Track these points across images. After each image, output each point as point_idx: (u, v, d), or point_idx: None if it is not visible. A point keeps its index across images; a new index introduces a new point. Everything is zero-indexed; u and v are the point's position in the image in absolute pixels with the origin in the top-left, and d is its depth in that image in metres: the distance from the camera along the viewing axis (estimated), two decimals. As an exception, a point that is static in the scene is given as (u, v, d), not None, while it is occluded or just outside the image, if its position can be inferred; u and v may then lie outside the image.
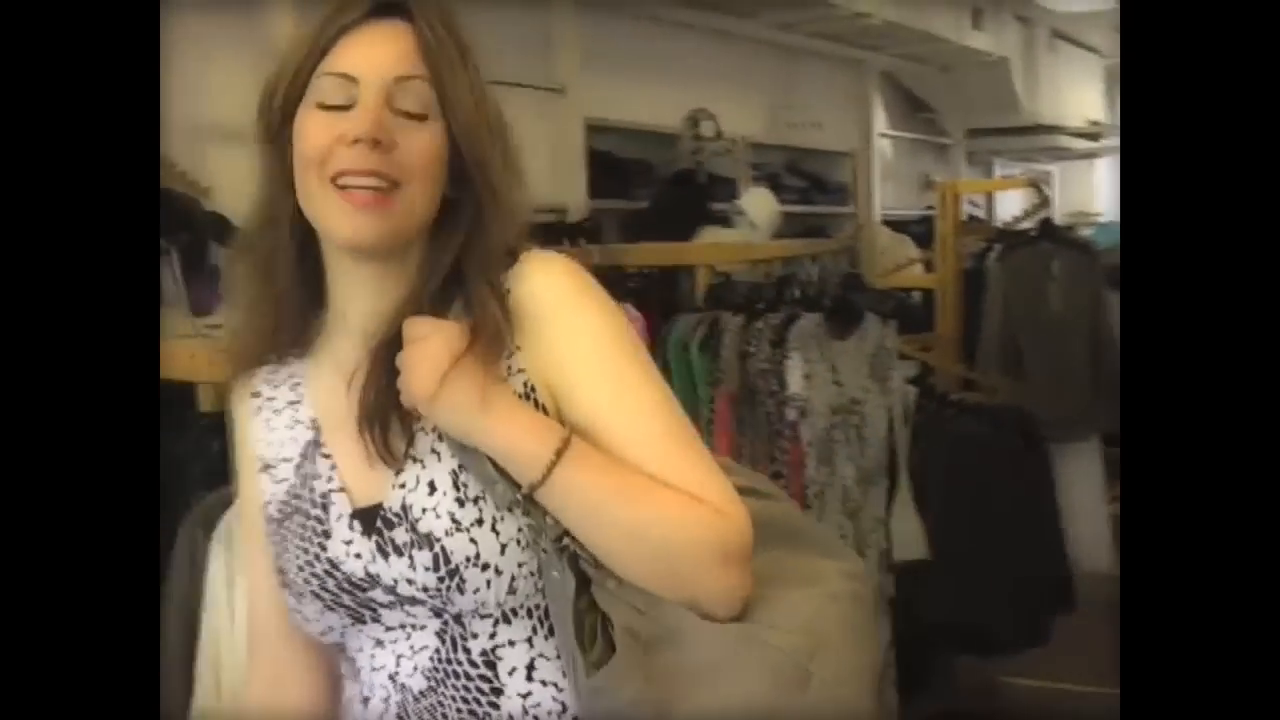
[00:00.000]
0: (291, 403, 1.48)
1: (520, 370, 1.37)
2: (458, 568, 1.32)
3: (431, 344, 1.32)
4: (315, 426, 1.46)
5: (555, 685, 1.37)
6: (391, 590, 1.36)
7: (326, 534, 1.40)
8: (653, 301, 3.95)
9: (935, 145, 10.18)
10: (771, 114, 7.91)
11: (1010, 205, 8.97)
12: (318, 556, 1.40)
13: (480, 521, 1.33)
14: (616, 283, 3.96)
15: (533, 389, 1.37)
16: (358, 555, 1.38)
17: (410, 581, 1.35)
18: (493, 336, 1.34)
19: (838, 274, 3.82)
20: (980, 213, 9.28)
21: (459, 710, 1.37)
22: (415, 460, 1.37)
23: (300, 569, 1.42)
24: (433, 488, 1.35)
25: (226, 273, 1.57)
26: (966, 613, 4.20)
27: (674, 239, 5.15)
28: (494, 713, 1.37)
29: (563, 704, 1.37)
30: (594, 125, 6.22)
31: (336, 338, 1.44)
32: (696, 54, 7.21)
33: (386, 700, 1.41)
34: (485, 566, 1.33)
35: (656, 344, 3.64)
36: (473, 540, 1.32)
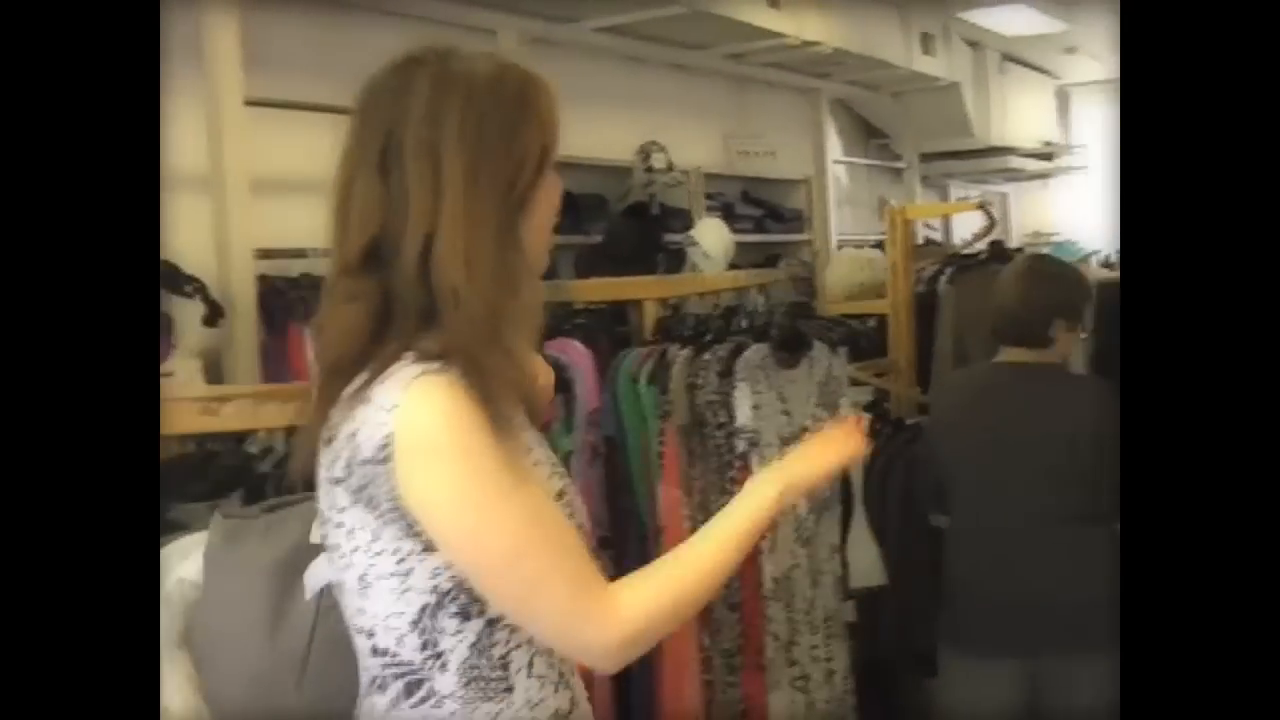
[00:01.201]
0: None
1: None
2: None
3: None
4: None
5: None
6: None
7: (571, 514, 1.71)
8: (601, 336, 3.97)
9: (890, 170, 10.23)
10: (725, 144, 7.95)
11: (969, 228, 9.02)
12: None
13: None
14: (564, 318, 3.98)
15: None
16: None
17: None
18: None
19: (785, 303, 3.83)
20: (938, 236, 9.33)
21: None
22: None
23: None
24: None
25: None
26: (928, 637, 4.22)
27: (629, 272, 5.16)
28: None
29: None
30: (548, 162, 6.23)
31: None
32: (648, 86, 7.25)
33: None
34: None
35: (605, 378, 3.66)
36: None
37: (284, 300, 4.48)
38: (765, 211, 8.11)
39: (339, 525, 1.62)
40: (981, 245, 5.69)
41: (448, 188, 1.57)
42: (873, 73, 8.66)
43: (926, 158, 10.17)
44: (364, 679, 1.69)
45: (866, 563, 3.99)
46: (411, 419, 1.52)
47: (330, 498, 1.62)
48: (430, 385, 1.53)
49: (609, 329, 4.06)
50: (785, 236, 8.22)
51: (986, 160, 10.32)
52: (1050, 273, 3.58)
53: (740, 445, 3.53)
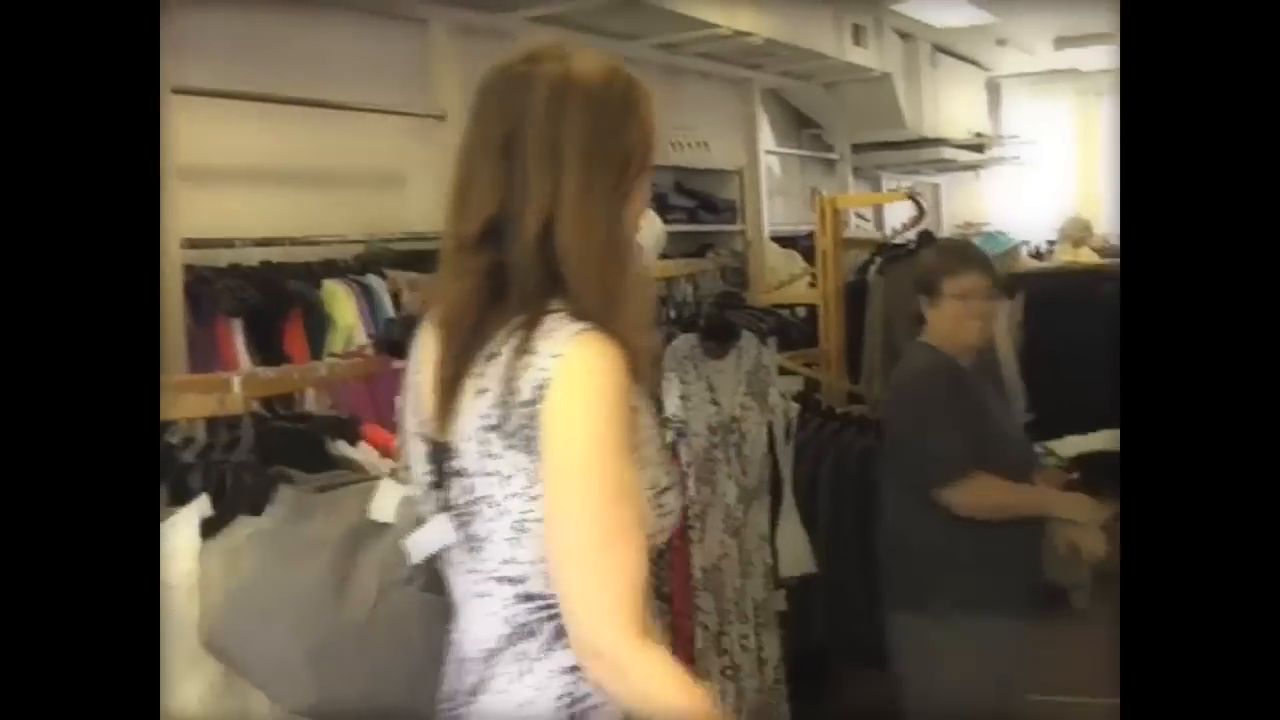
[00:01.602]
0: None
1: None
2: None
3: None
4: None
5: None
6: None
7: None
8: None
9: (823, 161, 10.27)
10: (658, 134, 7.94)
11: (901, 219, 9.07)
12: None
13: None
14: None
15: None
16: None
17: None
18: None
19: (714, 293, 3.83)
20: (870, 226, 9.39)
21: None
22: None
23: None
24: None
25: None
26: (859, 624, 4.23)
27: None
28: None
29: None
30: (477, 151, 6.19)
31: None
32: (580, 77, 7.22)
33: None
34: None
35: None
36: None
37: (211, 290, 4.43)
38: (698, 202, 8.12)
39: (490, 474, 1.74)
40: (911, 235, 5.73)
41: (566, 177, 1.75)
42: (805, 64, 8.69)
43: (859, 148, 10.23)
44: (503, 631, 1.78)
45: (797, 551, 4.00)
46: (575, 365, 1.69)
47: (484, 446, 1.73)
48: (592, 340, 1.71)
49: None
50: (718, 227, 8.23)
51: (918, 151, 10.39)
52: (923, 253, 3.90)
53: (669, 435, 3.53)
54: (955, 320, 3.54)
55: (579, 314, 1.73)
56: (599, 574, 1.68)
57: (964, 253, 3.71)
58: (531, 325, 1.73)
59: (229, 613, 2.08)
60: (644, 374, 1.79)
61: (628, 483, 1.71)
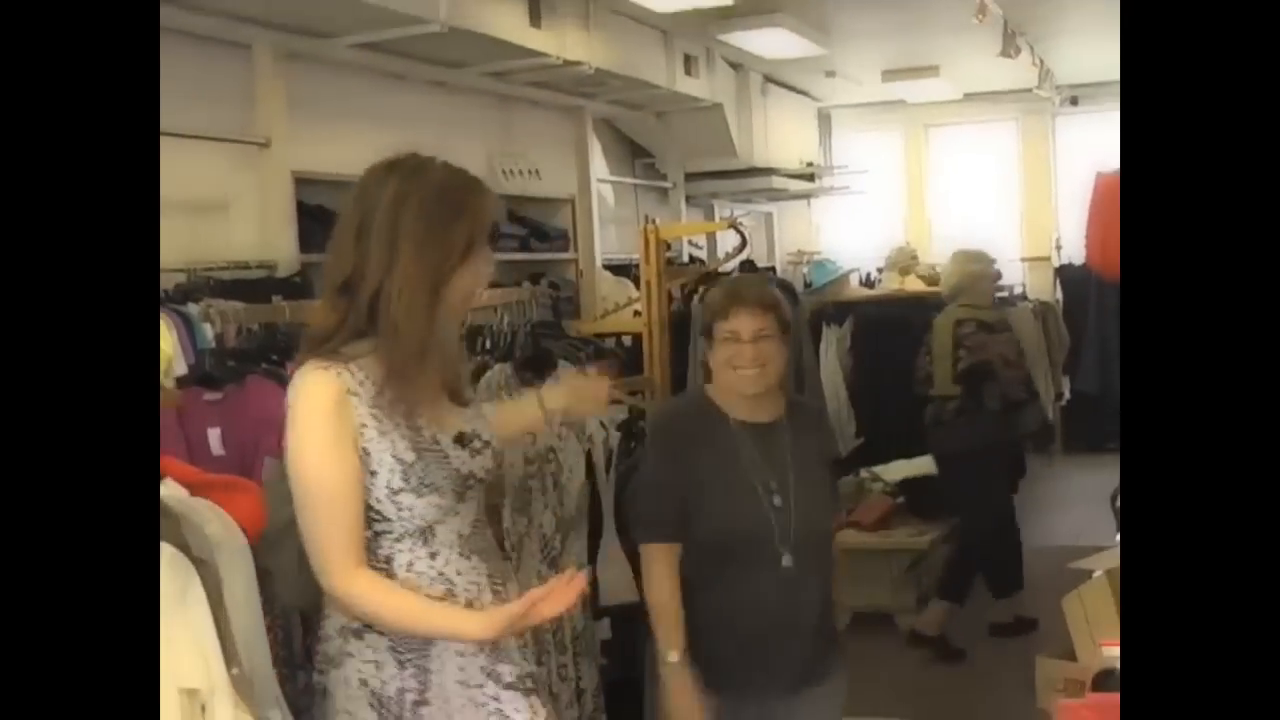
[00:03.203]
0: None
1: None
2: (495, 453, 2.64)
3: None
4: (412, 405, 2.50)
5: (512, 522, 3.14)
6: (476, 478, 2.56)
7: (446, 456, 2.49)
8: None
9: (656, 189, 10.35)
10: (489, 162, 7.93)
11: (730, 247, 9.16)
12: (451, 468, 2.49)
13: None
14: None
15: None
16: (462, 461, 2.51)
17: (484, 469, 2.58)
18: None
19: (530, 323, 3.83)
20: (703, 254, 9.47)
21: (480, 538, 2.60)
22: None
23: (445, 478, 2.47)
24: (477, 414, 2.66)
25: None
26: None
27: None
28: (487, 534, 2.66)
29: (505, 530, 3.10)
30: (302, 178, 6.14)
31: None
32: (408, 103, 7.19)
33: (450, 546, 2.51)
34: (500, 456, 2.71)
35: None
36: (497, 443, 2.67)
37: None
38: (529, 230, 8.13)
39: None
40: (734, 263, 5.79)
41: (399, 258, 2.38)
42: (636, 93, 8.75)
43: (692, 177, 10.32)
44: None
45: (618, 580, 4.00)
46: (292, 389, 2.45)
47: None
48: (306, 371, 2.44)
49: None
50: (550, 255, 8.24)
51: (750, 180, 10.52)
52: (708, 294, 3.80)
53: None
54: (723, 365, 3.22)
55: (376, 350, 2.44)
56: (309, 537, 2.43)
57: (735, 292, 3.26)
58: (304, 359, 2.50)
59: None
60: (401, 399, 2.43)
61: (324, 475, 2.40)
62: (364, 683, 2.48)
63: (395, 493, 2.45)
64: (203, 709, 2.30)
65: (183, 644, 2.24)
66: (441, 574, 2.51)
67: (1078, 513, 8.46)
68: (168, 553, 2.23)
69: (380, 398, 2.43)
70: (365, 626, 2.48)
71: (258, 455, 3.45)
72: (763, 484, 3.18)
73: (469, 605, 2.50)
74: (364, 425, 2.43)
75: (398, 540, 2.49)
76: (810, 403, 3.43)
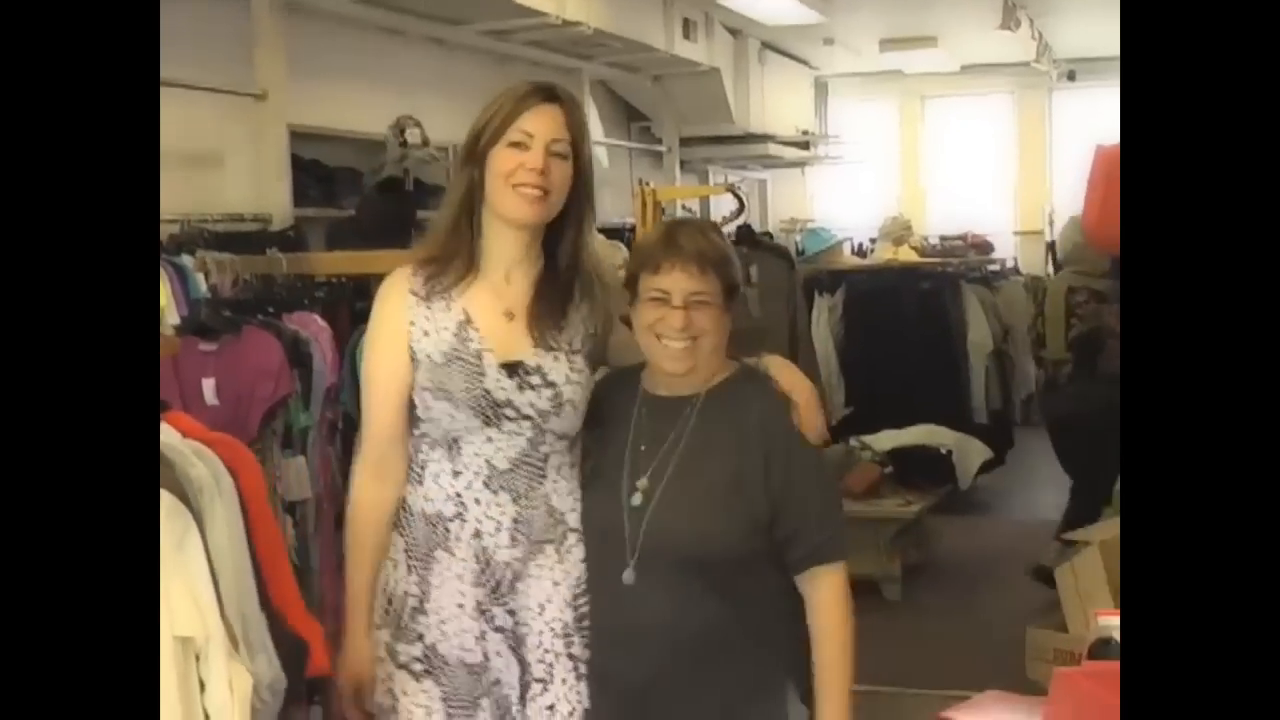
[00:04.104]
0: (444, 300, 2.57)
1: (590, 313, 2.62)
2: (563, 403, 2.54)
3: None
4: (466, 315, 2.56)
5: (567, 479, 2.61)
6: (518, 410, 2.52)
7: (481, 374, 2.52)
8: (342, 310, 3.90)
9: (651, 153, 10.31)
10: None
11: (725, 211, 9.14)
12: (476, 385, 2.52)
13: (578, 382, 2.57)
14: (305, 291, 3.90)
15: (595, 328, 2.62)
16: (503, 388, 2.52)
17: (533, 406, 2.52)
18: (592, 291, 2.62)
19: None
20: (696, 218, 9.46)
21: (523, 482, 2.55)
22: (541, 340, 2.56)
23: (464, 391, 2.51)
24: (556, 357, 2.56)
25: (430, 227, 2.81)
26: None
27: (380, 248, 5.08)
28: (540, 487, 2.56)
29: (570, 489, 2.61)
30: (298, 132, 6.10)
31: (490, 272, 2.59)
32: (407, 60, 7.14)
33: (477, 473, 2.54)
34: (575, 406, 2.57)
35: (344, 353, 3.60)
36: (573, 391, 2.56)
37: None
38: (524, 190, 8.09)
39: None
40: (731, 228, 5.78)
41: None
42: (634, 55, 8.70)
43: (687, 142, 10.28)
44: None
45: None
46: None
47: None
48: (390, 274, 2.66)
49: (350, 304, 3.99)
50: (544, 215, 8.21)
51: (745, 146, 10.50)
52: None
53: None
54: (645, 330, 2.55)
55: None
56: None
57: (670, 240, 2.56)
58: None
59: None
60: (434, 278, 2.57)
61: (370, 371, 2.66)
62: (384, 578, 2.61)
63: (422, 389, 2.53)
64: (197, 657, 2.30)
65: (179, 592, 2.24)
66: (459, 496, 2.56)
67: (1065, 487, 8.48)
68: (167, 501, 2.22)
69: (420, 282, 2.57)
70: (397, 523, 2.61)
71: (253, 406, 3.45)
72: (630, 476, 2.56)
73: (477, 537, 2.54)
74: (413, 323, 2.56)
75: (431, 447, 2.57)
76: (757, 374, 2.64)
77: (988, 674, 5.00)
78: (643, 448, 2.57)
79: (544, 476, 2.57)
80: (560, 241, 2.59)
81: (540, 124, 2.51)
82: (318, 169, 6.37)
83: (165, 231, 5.03)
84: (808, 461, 2.60)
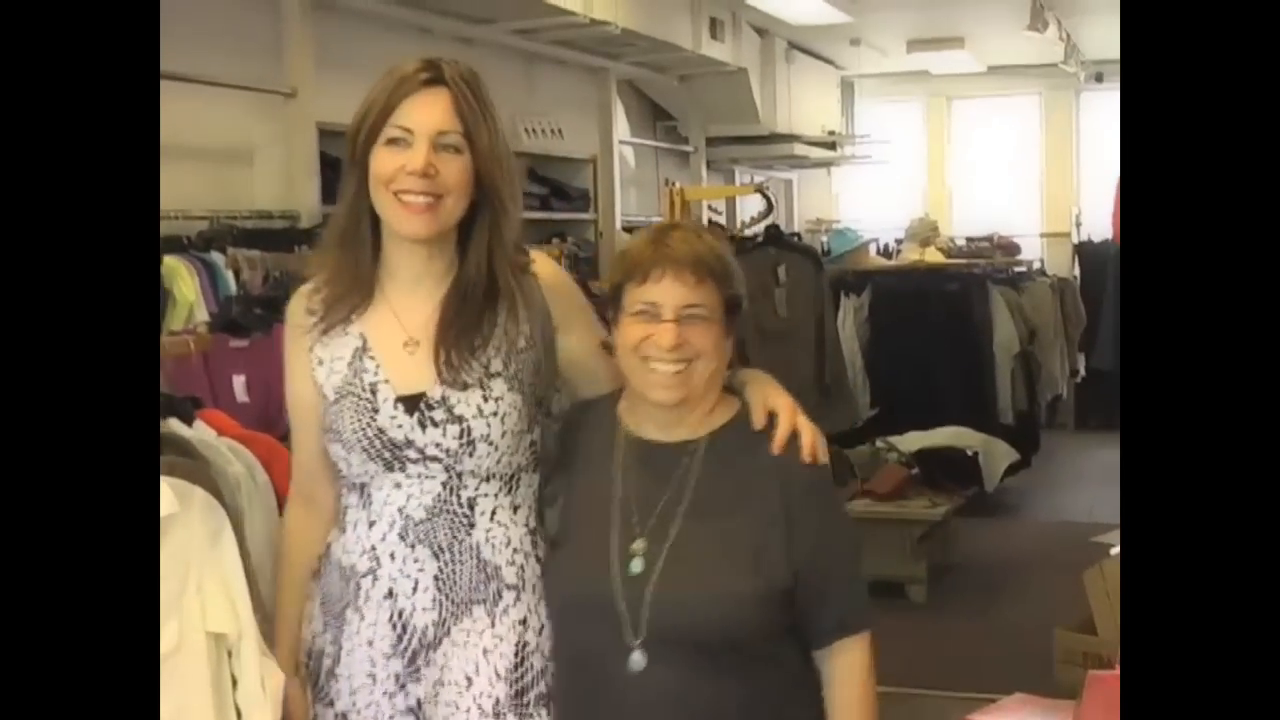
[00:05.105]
0: (341, 324, 2.20)
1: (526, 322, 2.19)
2: (475, 440, 2.14)
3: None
4: (363, 341, 2.19)
5: (506, 526, 2.19)
6: (421, 451, 2.15)
7: (375, 410, 2.16)
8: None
9: (677, 153, 10.32)
10: (512, 120, 7.90)
11: (752, 212, 9.15)
12: (369, 424, 2.16)
13: (495, 414, 2.14)
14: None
15: (526, 339, 2.19)
16: (399, 426, 2.15)
17: (437, 445, 2.14)
18: (513, 300, 2.18)
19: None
20: (721, 219, 9.46)
21: (444, 533, 2.17)
22: (449, 368, 2.14)
23: (354, 432, 2.16)
24: (464, 387, 2.14)
25: (321, 240, 2.49)
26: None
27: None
28: (466, 538, 2.17)
29: (508, 539, 2.19)
30: (327, 129, 6.11)
31: (391, 291, 2.20)
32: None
33: (391, 523, 2.18)
34: (491, 443, 2.15)
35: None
36: (488, 425, 2.14)
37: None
38: (550, 189, 8.11)
39: None
40: (759, 228, 5.78)
41: None
42: (661, 55, 8.72)
43: (713, 142, 10.30)
44: None
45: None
46: None
47: None
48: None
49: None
50: (570, 215, 8.23)
51: (771, 146, 10.51)
52: None
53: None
54: (629, 352, 2.13)
55: None
56: None
57: (660, 243, 2.13)
58: None
59: None
60: (325, 296, 2.21)
61: (287, 396, 2.31)
62: (304, 628, 2.29)
63: (322, 430, 2.22)
64: (230, 654, 2.31)
65: (213, 588, 2.25)
66: (373, 549, 2.20)
67: (1091, 490, 8.47)
68: (200, 496, 2.23)
69: (318, 302, 2.22)
70: (315, 571, 2.28)
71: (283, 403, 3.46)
72: (621, 537, 2.13)
73: (391, 597, 2.16)
74: (311, 349, 2.23)
75: (348, 492, 2.24)
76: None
77: (1014, 677, 4.99)
78: (633, 502, 2.14)
79: (471, 525, 2.16)
80: (469, 249, 2.18)
81: (421, 115, 2.09)
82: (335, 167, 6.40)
83: (194, 228, 5.08)
84: (834, 519, 2.25)
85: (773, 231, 5.51)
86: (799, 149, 10.68)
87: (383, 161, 2.10)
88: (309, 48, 6.00)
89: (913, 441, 7.49)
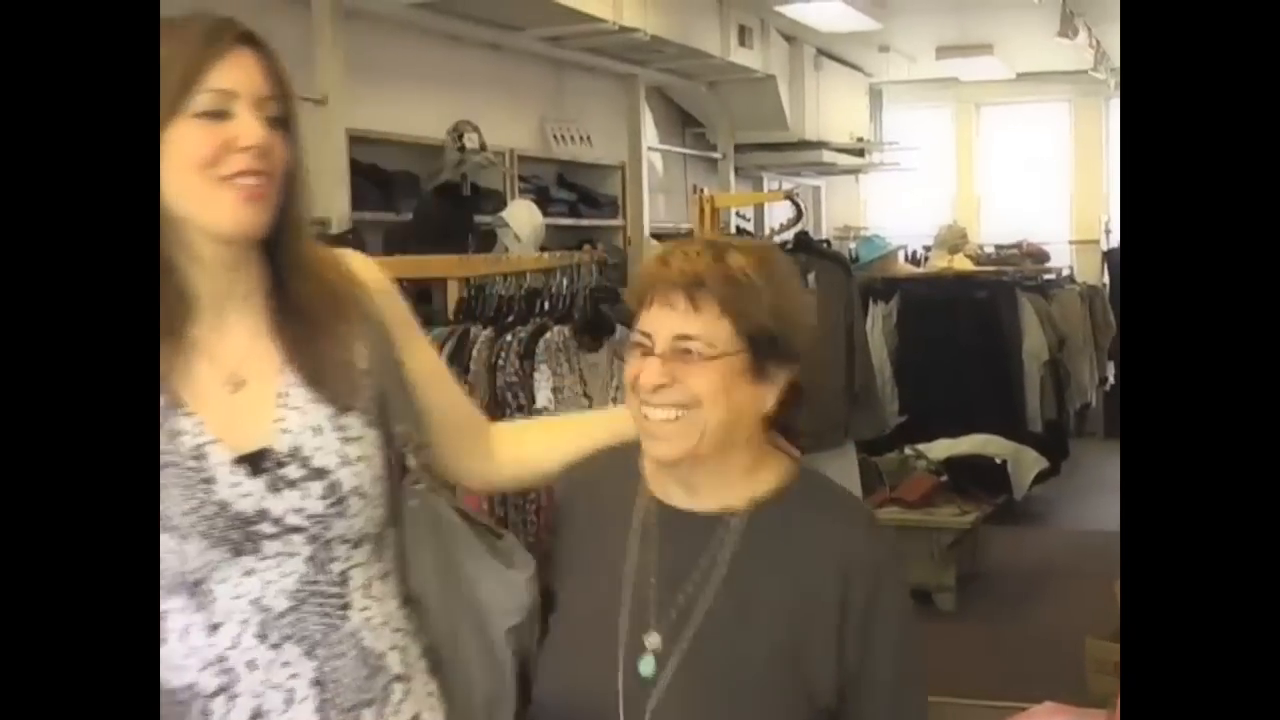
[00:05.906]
0: None
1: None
2: (345, 496, 1.64)
3: None
4: (170, 394, 1.61)
5: (381, 600, 1.71)
6: (278, 521, 1.61)
7: (209, 480, 1.60)
8: (403, 315, 3.91)
9: (706, 160, 10.33)
10: (541, 126, 7.93)
11: (780, 218, 9.15)
12: (204, 500, 1.59)
13: (361, 457, 1.66)
14: (366, 296, 3.91)
15: (371, 359, 1.71)
16: (247, 494, 1.61)
17: (299, 511, 1.62)
18: (349, 313, 1.71)
19: (589, 287, 3.81)
20: (750, 226, 9.46)
21: (315, 622, 1.65)
22: (293, 408, 1.65)
23: (187, 514, 1.58)
24: (317, 430, 1.65)
25: None
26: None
27: (438, 252, 5.11)
28: (342, 624, 1.66)
29: (385, 617, 1.71)
30: (357, 136, 6.15)
31: (192, 322, 1.64)
32: (465, 66, 7.20)
33: (244, 623, 1.62)
34: (364, 495, 1.66)
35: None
36: (356, 473, 1.65)
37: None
38: (579, 196, 8.13)
39: None
40: (789, 235, 5.77)
41: None
42: (689, 62, 8.73)
43: (741, 149, 10.30)
44: None
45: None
46: None
47: None
48: None
49: (412, 308, 4.00)
50: (599, 221, 8.25)
51: (800, 153, 10.51)
52: None
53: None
54: (630, 398, 1.75)
55: None
56: None
57: (663, 262, 1.76)
58: None
59: None
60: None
61: None
62: None
63: None
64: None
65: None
66: (222, 659, 1.62)
67: (1109, 500, 8.44)
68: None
69: None
70: None
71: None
72: (635, 631, 1.75)
73: (258, 717, 1.63)
74: None
75: (167, 594, 1.61)
76: (831, 486, 1.90)
77: (1044, 685, 4.97)
78: (652, 581, 1.76)
79: (346, 607, 1.68)
80: (282, 255, 1.68)
81: (242, 75, 1.62)
82: (376, 173, 6.43)
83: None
84: (897, 624, 1.79)
85: (802, 238, 5.49)
86: (827, 156, 10.67)
87: (197, 140, 1.58)
88: (339, 55, 6.02)
89: (941, 449, 7.48)
